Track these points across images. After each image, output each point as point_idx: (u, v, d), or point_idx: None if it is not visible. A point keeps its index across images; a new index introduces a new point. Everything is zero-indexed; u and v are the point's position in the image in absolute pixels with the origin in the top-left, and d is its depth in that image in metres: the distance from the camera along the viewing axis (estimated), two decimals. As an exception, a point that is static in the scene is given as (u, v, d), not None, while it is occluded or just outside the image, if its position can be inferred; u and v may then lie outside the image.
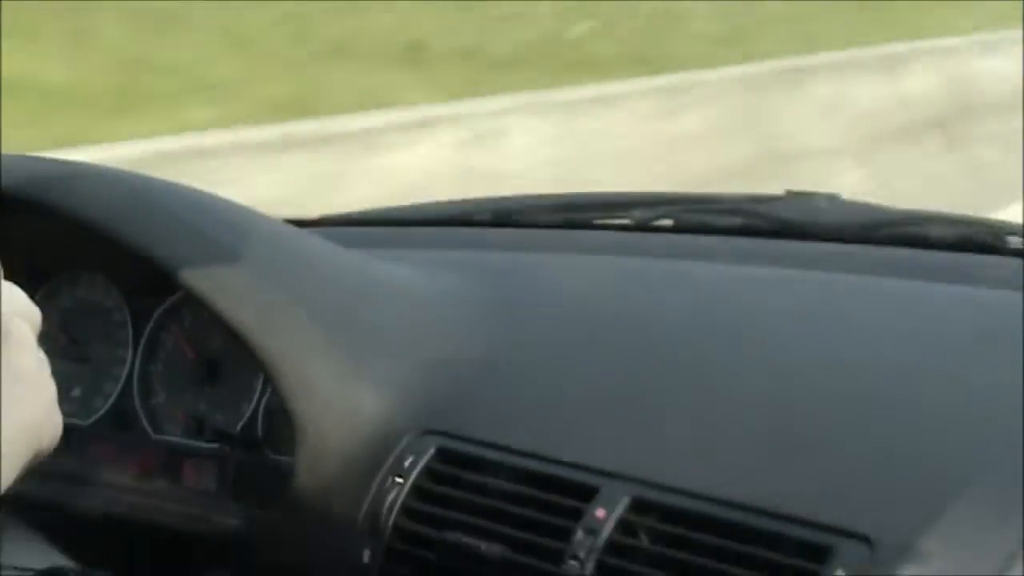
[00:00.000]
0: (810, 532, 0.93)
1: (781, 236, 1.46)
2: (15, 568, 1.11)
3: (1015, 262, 1.35)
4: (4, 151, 1.29)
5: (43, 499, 1.25)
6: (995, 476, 0.94)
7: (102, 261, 1.34)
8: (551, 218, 1.63)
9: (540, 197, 1.72)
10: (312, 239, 1.31)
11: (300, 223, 1.39)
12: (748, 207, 1.53)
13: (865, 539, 0.91)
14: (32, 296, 1.36)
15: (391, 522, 1.10)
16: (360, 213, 1.70)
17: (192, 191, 1.31)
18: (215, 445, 1.26)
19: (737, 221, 1.50)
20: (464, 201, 1.71)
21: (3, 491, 0.68)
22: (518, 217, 1.64)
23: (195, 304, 1.25)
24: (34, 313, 0.71)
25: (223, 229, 1.26)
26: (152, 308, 1.33)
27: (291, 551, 1.15)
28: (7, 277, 0.72)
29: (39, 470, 1.26)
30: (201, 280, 1.21)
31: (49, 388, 0.72)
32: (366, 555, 1.10)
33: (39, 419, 0.71)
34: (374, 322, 1.22)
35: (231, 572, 1.20)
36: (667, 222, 1.54)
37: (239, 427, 1.26)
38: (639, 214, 1.57)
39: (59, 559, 1.16)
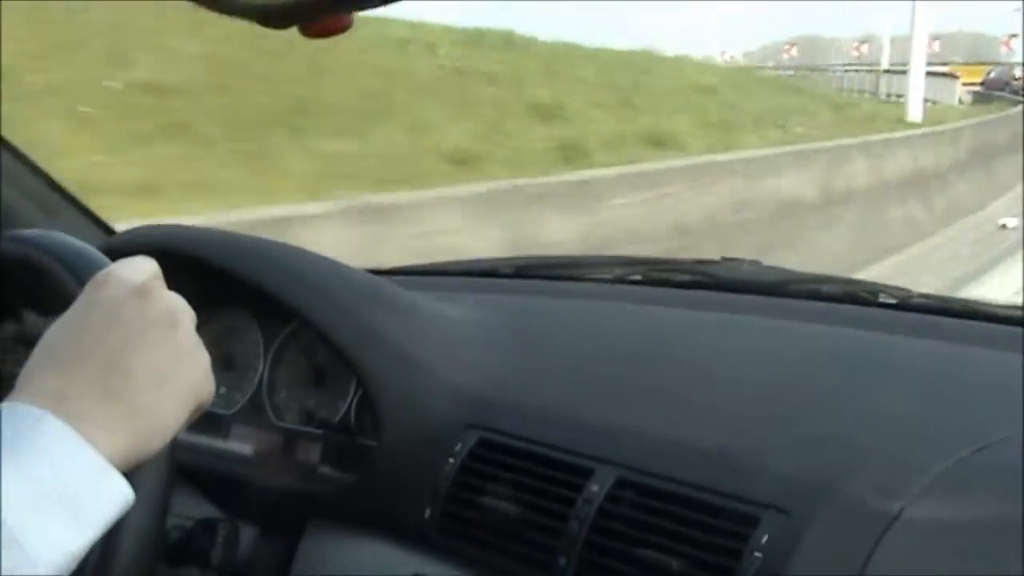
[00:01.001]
0: (744, 505, 0.92)
1: (719, 290, 1.46)
2: (180, 516, 1.11)
3: (887, 312, 1.35)
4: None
5: (200, 467, 1.25)
6: (875, 464, 0.93)
7: (244, 298, 1.34)
8: (556, 272, 1.63)
9: (547, 257, 1.73)
10: (385, 282, 1.32)
11: (375, 271, 1.39)
12: (696, 268, 1.53)
13: (784, 511, 0.91)
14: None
15: (445, 490, 1.09)
16: (415, 265, 1.70)
17: (303, 250, 1.31)
18: (320, 431, 1.25)
19: (688, 278, 1.50)
20: (492, 259, 1.71)
21: (176, 433, 0.68)
22: (532, 271, 1.64)
23: (309, 329, 1.26)
24: (191, 312, 0.71)
25: (325, 276, 1.27)
26: (278, 331, 1.32)
27: (372, 509, 1.15)
28: None
29: (199, 446, 1.27)
30: (312, 312, 1.22)
31: (205, 358, 0.70)
32: (427, 512, 1.10)
33: (200, 380, 0.69)
34: (431, 344, 1.21)
35: (329, 521, 1.19)
36: (638, 277, 1.54)
37: (338, 418, 1.25)
38: (619, 271, 1.57)
39: (211, 511, 1.16)
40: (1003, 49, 50.66)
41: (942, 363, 1.17)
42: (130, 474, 0.62)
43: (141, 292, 0.68)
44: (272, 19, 0.70)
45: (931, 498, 0.87)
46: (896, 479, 0.89)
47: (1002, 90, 36.95)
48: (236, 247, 1.31)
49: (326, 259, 1.32)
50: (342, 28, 0.69)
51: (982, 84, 40.36)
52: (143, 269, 0.71)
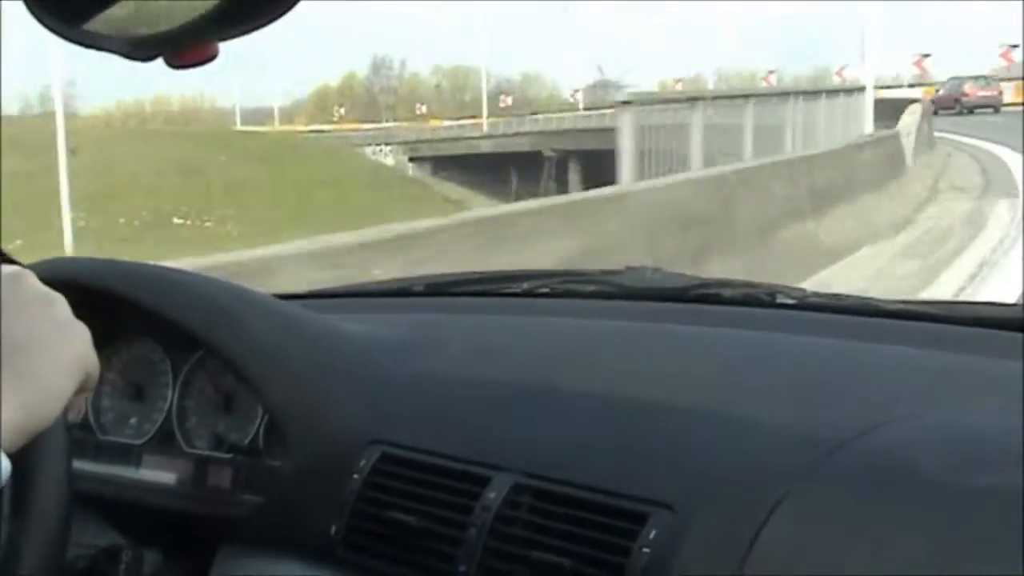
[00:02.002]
0: (632, 503, 0.95)
1: (623, 298, 1.49)
2: (86, 545, 1.11)
3: (784, 313, 1.39)
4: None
5: (110, 497, 1.26)
6: (757, 454, 0.96)
7: (151, 328, 1.35)
8: (466, 288, 1.65)
9: (459, 274, 1.75)
10: (290, 306, 1.33)
11: (285, 296, 1.40)
12: (601, 278, 1.56)
13: (669, 507, 0.94)
14: (101, 351, 1.38)
15: (350, 506, 1.11)
16: (329, 288, 1.72)
17: (211, 278, 1.32)
18: (230, 455, 1.26)
19: (593, 288, 1.54)
20: (404, 278, 1.73)
21: (63, 407, 0.71)
22: (443, 288, 1.66)
23: (215, 355, 1.27)
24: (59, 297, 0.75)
25: (232, 303, 1.28)
26: (186, 360, 1.33)
27: (281, 529, 1.16)
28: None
29: (110, 477, 1.28)
30: (217, 341, 1.23)
31: (85, 331, 0.75)
32: (333, 529, 1.11)
33: (85, 351, 0.74)
34: (335, 364, 1.23)
35: (240, 544, 1.20)
36: (545, 290, 1.57)
37: (247, 442, 1.26)
38: (527, 285, 1.60)
39: (116, 539, 1.16)
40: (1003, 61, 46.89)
41: (833, 358, 1.21)
42: (30, 447, 0.66)
43: (16, 277, 0.72)
44: (136, 51, 0.72)
45: (811, 485, 0.90)
46: (777, 468, 0.93)
47: (952, 108, 34.01)
48: (140, 277, 1.32)
49: (231, 285, 1.33)
50: (207, 58, 0.71)
51: (932, 102, 34.84)
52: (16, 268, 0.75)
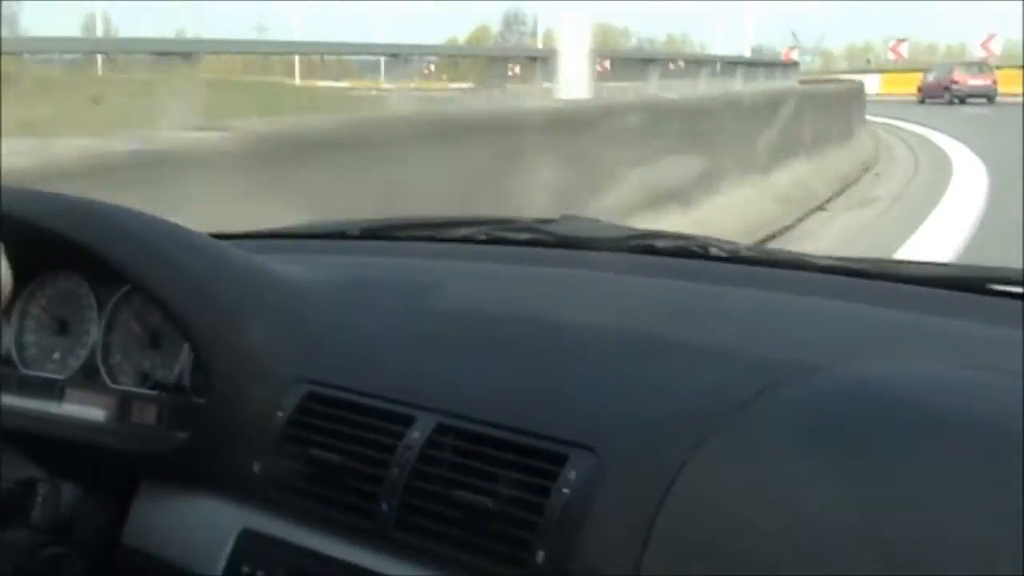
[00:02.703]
0: (554, 444, 0.95)
1: (558, 247, 1.49)
2: (5, 480, 1.10)
3: (716, 265, 1.40)
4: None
5: (31, 432, 1.25)
6: (678, 400, 0.97)
7: (76, 262, 1.33)
8: (401, 233, 1.64)
9: (396, 219, 1.74)
10: (223, 245, 1.32)
11: (220, 235, 1.39)
12: (535, 226, 1.56)
13: (591, 449, 0.94)
14: (26, 285, 1.35)
15: (274, 444, 1.10)
16: (264, 230, 1.70)
17: (139, 213, 1.30)
18: (155, 392, 1.25)
19: (528, 236, 1.53)
20: (343, 221, 1.71)
21: None
22: (379, 232, 1.65)
23: (142, 291, 1.25)
24: None
25: (161, 240, 1.26)
26: (112, 295, 1.32)
27: (205, 466, 1.16)
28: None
29: (32, 411, 1.26)
30: (143, 277, 1.21)
31: None
32: (256, 466, 1.11)
33: None
34: (264, 303, 1.22)
35: (162, 481, 1.19)
36: (481, 236, 1.57)
37: (172, 378, 1.25)
38: (462, 231, 1.59)
39: (36, 473, 1.15)
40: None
41: (760, 309, 1.22)
42: None
43: None
44: None
45: (730, 432, 0.91)
46: (697, 414, 0.93)
47: (941, 97, 31.91)
48: (68, 210, 1.29)
49: (161, 221, 1.31)
50: None
51: (918, 90, 34.15)
52: None
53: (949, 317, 1.17)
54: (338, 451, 1.06)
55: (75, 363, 1.31)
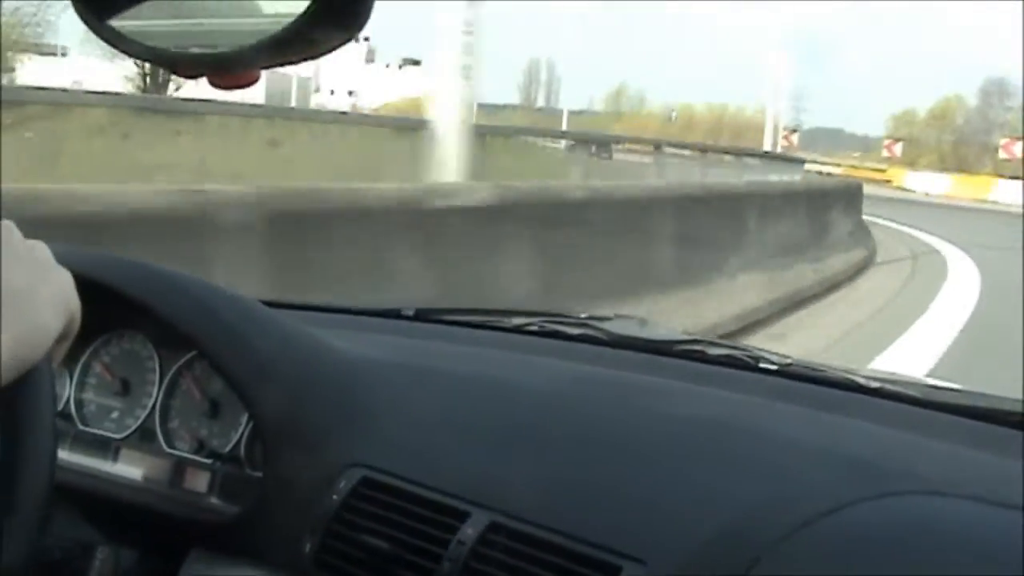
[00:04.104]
0: (606, 554, 0.97)
1: (608, 345, 1.51)
2: (61, 537, 1.11)
3: (767, 378, 1.41)
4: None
5: (85, 490, 1.26)
6: (730, 520, 0.98)
7: (142, 325, 1.36)
8: (455, 318, 1.67)
9: (451, 307, 1.76)
10: (287, 319, 1.34)
11: (274, 304, 1.41)
12: (588, 322, 1.58)
13: (643, 562, 0.95)
14: (91, 344, 1.38)
15: (325, 526, 1.12)
16: (319, 302, 1.72)
17: (202, 280, 1.33)
18: (209, 460, 1.27)
19: (579, 332, 1.55)
20: (396, 304, 1.74)
21: (51, 344, 0.71)
22: (433, 316, 1.67)
23: (205, 358, 1.28)
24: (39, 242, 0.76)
25: (223, 306, 1.29)
26: (175, 359, 1.34)
27: (254, 541, 1.17)
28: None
29: (87, 468, 1.28)
30: (208, 342, 1.24)
31: (68, 274, 0.76)
32: (307, 547, 1.12)
33: (68, 290, 0.75)
34: (326, 384, 1.24)
35: (210, 551, 1.20)
36: (534, 328, 1.59)
37: (228, 449, 1.27)
38: (515, 321, 1.61)
39: (91, 534, 1.16)
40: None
41: (809, 430, 1.23)
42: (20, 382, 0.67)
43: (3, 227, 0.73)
44: (180, 67, 0.73)
45: (781, 556, 0.92)
46: (748, 535, 0.94)
47: None
48: (138, 273, 1.32)
49: (225, 290, 1.34)
50: (248, 82, 0.73)
51: None
52: None
53: (995, 453, 1.18)
54: (390, 539, 1.07)
55: (133, 423, 1.33)
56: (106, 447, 1.32)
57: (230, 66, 0.70)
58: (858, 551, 0.94)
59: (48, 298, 0.72)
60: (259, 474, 1.21)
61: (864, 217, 14.53)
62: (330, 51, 0.68)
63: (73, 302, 0.75)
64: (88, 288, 1.25)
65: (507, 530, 1.03)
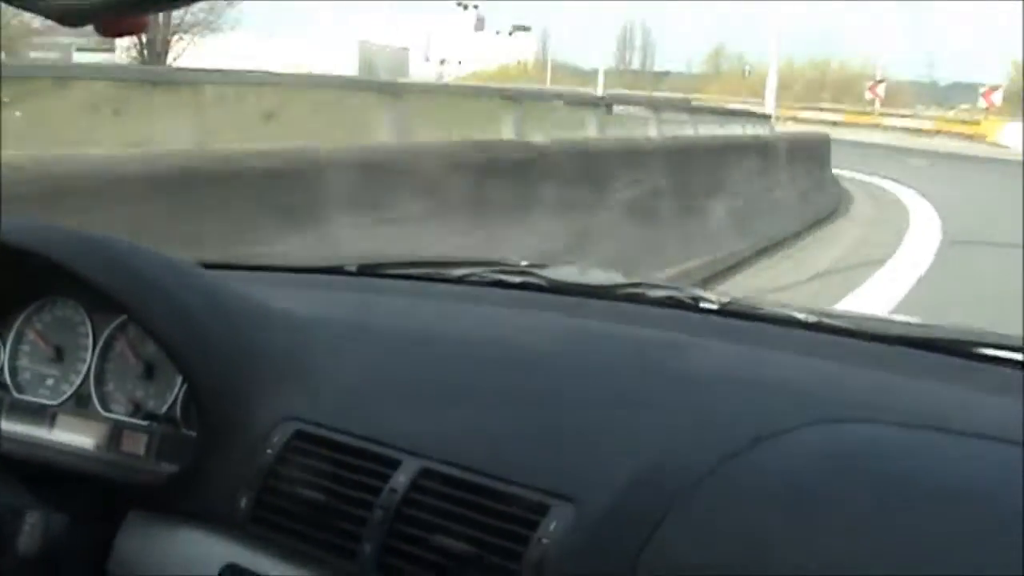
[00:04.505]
0: (535, 494, 0.97)
1: (550, 291, 1.51)
2: None
3: (706, 317, 1.41)
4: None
5: (20, 457, 1.25)
6: (656, 457, 0.98)
7: (73, 291, 1.34)
8: (397, 272, 1.66)
9: (394, 257, 1.75)
10: (215, 276, 1.33)
11: (212, 265, 1.40)
12: (530, 270, 1.57)
13: (571, 500, 0.95)
14: (23, 311, 1.36)
15: (261, 481, 1.11)
16: (258, 262, 1.71)
17: (137, 245, 1.31)
18: (146, 422, 1.26)
19: (521, 280, 1.55)
20: (338, 258, 1.73)
21: None
22: (376, 270, 1.66)
23: (137, 323, 1.26)
24: None
25: (158, 273, 1.27)
26: (108, 323, 1.33)
27: (191, 500, 1.16)
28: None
29: (23, 436, 1.27)
30: (139, 309, 1.22)
31: None
32: (243, 502, 1.12)
33: None
34: (258, 342, 1.23)
35: (148, 512, 1.20)
36: (475, 278, 1.58)
37: (164, 410, 1.26)
38: (457, 272, 1.61)
39: (23, 499, 1.15)
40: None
41: (744, 365, 1.23)
42: None
43: None
44: (68, 18, 0.72)
45: (705, 489, 0.92)
46: (675, 470, 0.94)
47: None
48: (66, 239, 1.31)
49: (156, 253, 1.32)
50: (138, 28, 0.71)
51: None
52: None
53: (933, 380, 1.18)
54: (323, 491, 1.07)
55: (68, 389, 1.32)
56: (42, 414, 1.31)
57: (114, 13, 0.68)
58: (785, 479, 0.95)
59: None
60: (193, 433, 1.20)
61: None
62: None
63: None
64: (18, 255, 1.25)
65: (439, 476, 1.02)
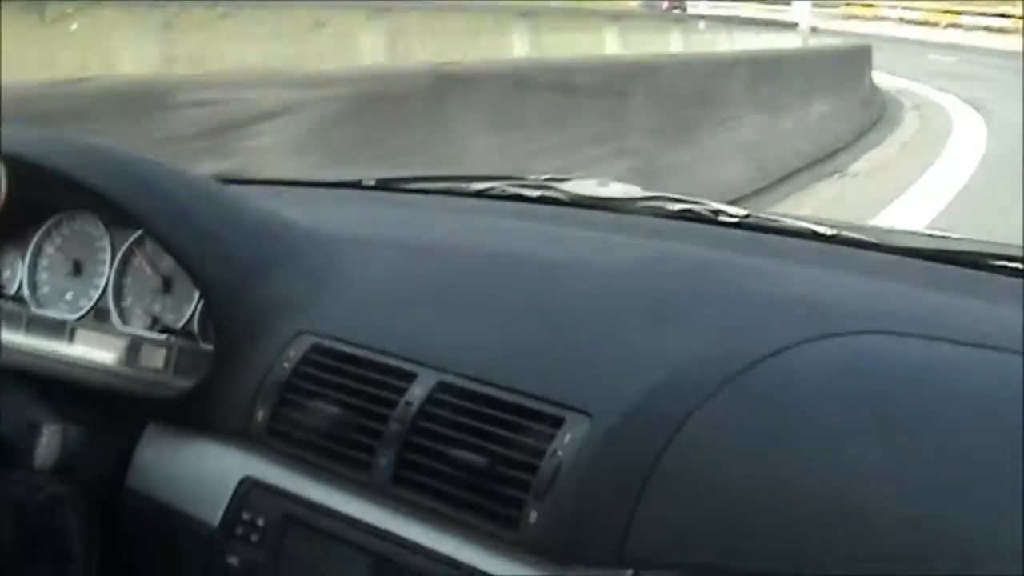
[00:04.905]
0: (550, 407, 0.96)
1: (570, 205, 1.49)
2: (10, 420, 1.10)
3: (727, 231, 1.39)
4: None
5: (40, 371, 1.26)
6: (671, 368, 0.97)
7: (91, 205, 1.34)
8: (415, 186, 1.64)
9: (413, 172, 1.74)
10: (237, 193, 1.32)
11: (232, 180, 1.39)
12: (549, 184, 1.55)
13: (587, 413, 0.95)
14: (42, 225, 1.36)
15: (277, 394, 1.11)
16: (277, 176, 1.70)
17: (154, 160, 1.30)
18: (164, 336, 1.26)
19: (540, 194, 1.53)
20: (357, 171, 1.71)
21: None
22: (394, 184, 1.65)
23: (154, 238, 1.26)
24: None
25: (174, 187, 1.26)
26: (126, 238, 1.33)
27: (209, 410, 1.17)
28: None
29: (42, 351, 1.27)
30: (155, 224, 1.22)
31: None
32: (259, 416, 1.12)
33: None
34: (275, 256, 1.23)
35: (166, 425, 1.20)
36: (494, 192, 1.56)
37: (181, 324, 1.26)
38: (476, 186, 1.59)
39: (42, 413, 1.15)
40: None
41: (764, 278, 1.21)
42: None
43: None
44: None
45: (721, 401, 0.91)
46: (691, 382, 0.94)
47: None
48: (84, 154, 1.30)
49: (172, 168, 1.31)
50: None
51: None
52: None
53: (954, 293, 1.17)
54: (339, 404, 1.07)
55: (87, 303, 1.32)
56: (61, 329, 1.32)
57: None
58: (803, 390, 0.94)
59: None
60: (211, 346, 1.20)
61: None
62: None
63: None
64: (36, 171, 1.24)
65: (454, 389, 1.02)
